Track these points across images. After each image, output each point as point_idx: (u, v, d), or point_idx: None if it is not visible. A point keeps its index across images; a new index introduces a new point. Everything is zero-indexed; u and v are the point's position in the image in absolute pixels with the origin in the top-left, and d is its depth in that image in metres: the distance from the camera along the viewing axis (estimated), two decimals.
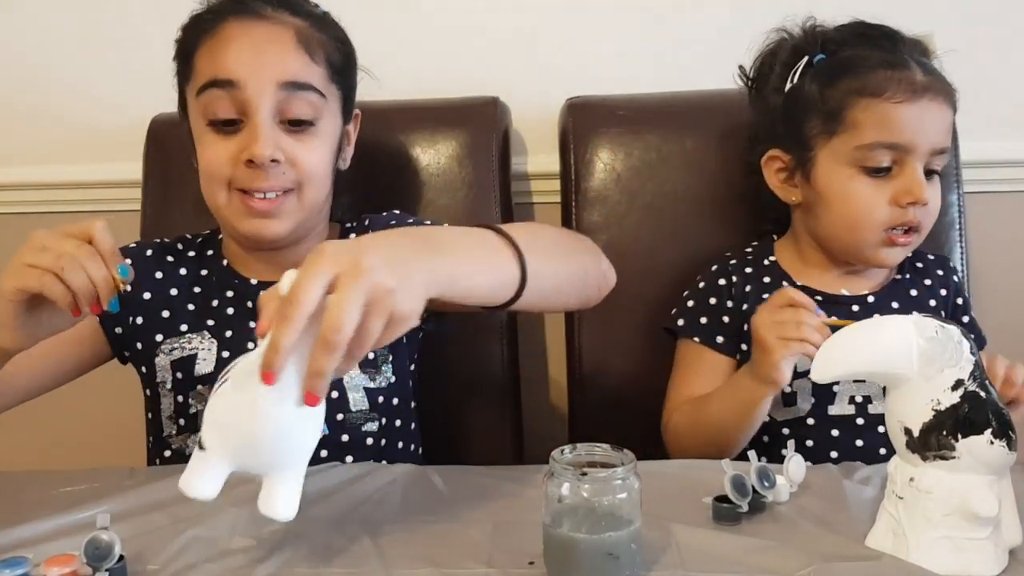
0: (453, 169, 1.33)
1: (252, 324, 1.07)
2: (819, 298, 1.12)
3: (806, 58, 1.13)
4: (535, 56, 1.44)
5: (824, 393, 1.10)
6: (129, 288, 0.88)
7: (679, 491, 0.89)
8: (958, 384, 0.72)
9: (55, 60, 1.48)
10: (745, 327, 1.13)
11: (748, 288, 1.17)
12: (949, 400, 0.72)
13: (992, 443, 0.71)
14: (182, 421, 1.08)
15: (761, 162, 1.18)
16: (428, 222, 1.14)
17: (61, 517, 0.86)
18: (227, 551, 0.79)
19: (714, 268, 1.21)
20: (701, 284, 1.21)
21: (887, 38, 1.11)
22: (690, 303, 1.20)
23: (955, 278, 1.21)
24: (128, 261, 0.87)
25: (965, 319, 1.18)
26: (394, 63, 1.42)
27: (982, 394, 0.72)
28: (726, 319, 1.17)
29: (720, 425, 1.06)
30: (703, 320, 1.18)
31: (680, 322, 1.19)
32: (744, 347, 1.15)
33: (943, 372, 0.73)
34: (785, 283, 1.16)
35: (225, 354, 1.08)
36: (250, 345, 1.07)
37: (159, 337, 1.09)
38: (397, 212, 1.19)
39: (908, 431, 0.74)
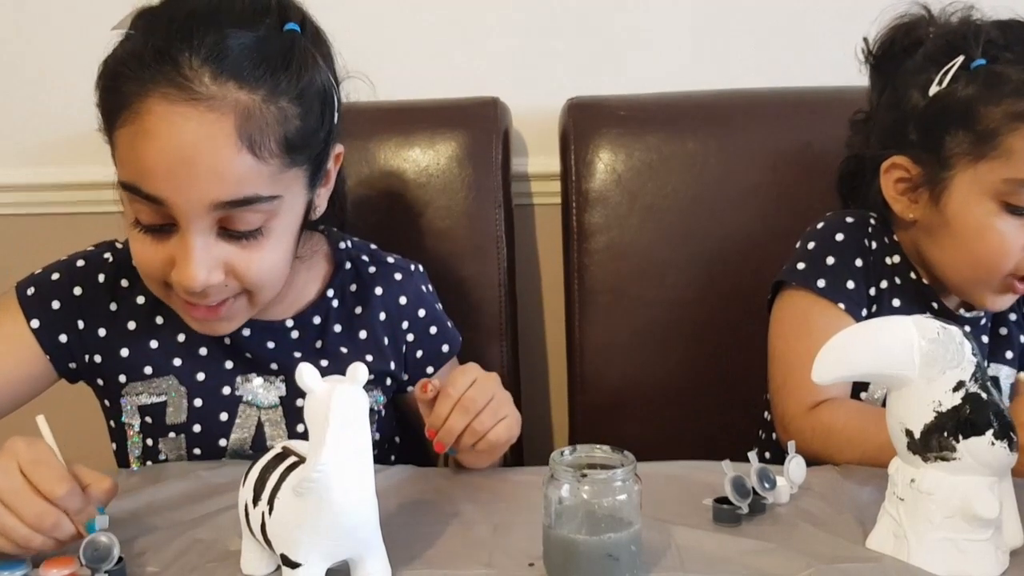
0: (453, 170, 1.33)
1: (229, 364, 0.99)
2: (935, 304, 1.06)
3: (961, 58, 0.98)
4: (535, 57, 1.44)
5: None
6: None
7: (679, 492, 0.89)
8: (959, 385, 0.72)
9: (56, 61, 1.47)
10: (874, 307, 1.03)
11: (887, 261, 1.05)
12: (950, 401, 0.72)
13: (993, 444, 0.71)
14: (149, 463, 1.00)
15: (881, 167, 1.04)
16: (429, 289, 1.11)
17: None
18: (227, 553, 0.79)
19: (849, 221, 1.06)
20: (840, 237, 1.05)
21: None
22: (830, 260, 1.03)
23: None
24: (99, 515, 0.74)
25: None
26: (393, 64, 1.42)
27: (983, 395, 0.72)
28: (872, 292, 1.03)
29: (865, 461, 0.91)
30: (850, 285, 1.02)
31: (820, 282, 1.02)
32: None
33: (945, 374, 0.72)
34: (913, 275, 1.06)
35: (197, 402, 0.98)
36: (226, 391, 0.98)
37: (122, 378, 0.99)
38: (420, 271, 1.10)
39: (909, 432, 0.73)
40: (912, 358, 0.72)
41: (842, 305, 1.02)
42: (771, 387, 1.07)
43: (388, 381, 1.06)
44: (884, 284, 1.05)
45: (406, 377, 1.07)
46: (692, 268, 1.29)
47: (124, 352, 0.99)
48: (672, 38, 1.43)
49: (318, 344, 1.02)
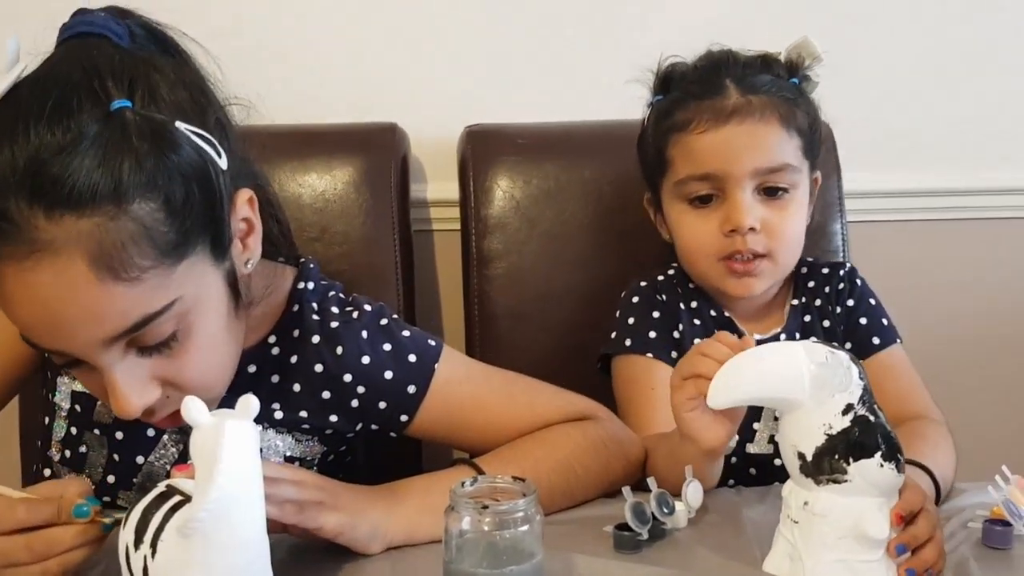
0: (350, 195, 1.31)
1: None
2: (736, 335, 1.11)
3: (650, 98, 1.15)
4: (433, 83, 1.43)
5: (745, 429, 1.08)
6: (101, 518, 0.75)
7: (581, 520, 0.89)
8: (848, 408, 0.74)
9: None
10: (680, 349, 1.11)
11: (681, 306, 1.14)
12: (840, 424, 0.74)
13: (882, 466, 0.73)
14: (68, 452, 0.98)
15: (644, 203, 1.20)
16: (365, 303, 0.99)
17: None
18: None
19: (643, 285, 1.17)
20: (635, 299, 1.15)
21: (715, 65, 1.10)
22: (631, 319, 1.14)
23: (841, 285, 1.16)
24: (81, 497, 0.74)
25: (863, 320, 1.14)
26: (291, 88, 1.40)
27: (871, 418, 0.74)
28: (675, 334, 1.12)
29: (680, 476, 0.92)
30: (652, 335, 1.12)
31: (627, 342, 1.12)
32: None
33: (834, 397, 0.74)
34: (713, 312, 1.14)
35: None
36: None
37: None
38: (368, 311, 0.98)
39: (802, 455, 0.75)
40: (802, 382, 0.74)
41: (650, 354, 1.11)
42: None
43: (330, 431, 0.97)
44: (681, 327, 1.13)
45: (375, 428, 0.98)
46: (590, 293, 1.30)
47: None
48: (569, 69, 1.44)
49: None
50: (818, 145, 1.13)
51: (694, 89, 1.09)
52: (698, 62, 1.12)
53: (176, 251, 0.75)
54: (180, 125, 0.76)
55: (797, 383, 0.74)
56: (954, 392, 1.13)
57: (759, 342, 1.08)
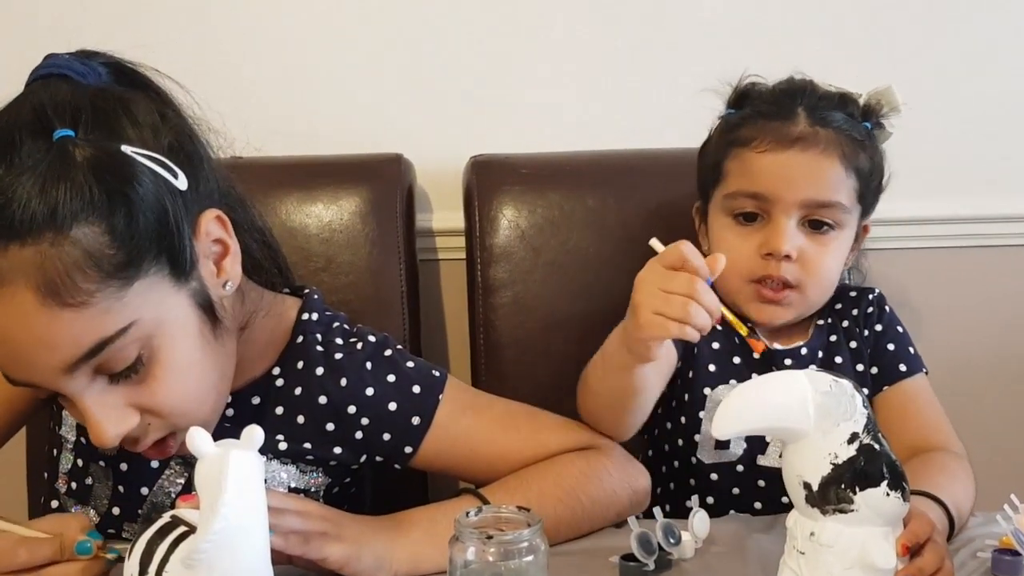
0: (356, 226, 1.32)
1: None
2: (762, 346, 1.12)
3: (723, 111, 1.15)
4: (438, 114, 1.45)
5: (756, 441, 1.08)
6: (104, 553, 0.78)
7: (586, 550, 0.89)
8: (853, 437, 0.74)
9: None
10: (695, 350, 1.11)
11: None
12: (846, 453, 0.73)
13: (888, 495, 0.73)
14: (74, 484, 0.99)
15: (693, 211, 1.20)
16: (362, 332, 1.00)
17: None
18: None
19: None
20: None
21: (792, 91, 1.11)
22: None
23: (869, 309, 1.16)
24: (83, 532, 0.77)
25: (890, 346, 1.13)
26: (297, 119, 1.42)
27: (876, 447, 0.74)
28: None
29: (607, 398, 0.99)
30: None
31: None
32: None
33: (839, 426, 0.74)
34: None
35: None
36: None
37: None
38: (372, 341, 0.99)
39: (807, 485, 0.74)
40: (807, 411, 0.74)
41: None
42: None
43: (334, 463, 0.97)
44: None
45: (379, 459, 0.98)
46: (595, 322, 1.30)
47: None
48: (572, 98, 1.46)
49: None
50: (874, 194, 1.12)
51: (765, 109, 1.10)
52: (777, 85, 1.13)
53: (124, 274, 0.75)
54: (127, 149, 0.77)
55: (802, 412, 0.74)
56: (959, 421, 1.13)
57: (780, 353, 1.11)
